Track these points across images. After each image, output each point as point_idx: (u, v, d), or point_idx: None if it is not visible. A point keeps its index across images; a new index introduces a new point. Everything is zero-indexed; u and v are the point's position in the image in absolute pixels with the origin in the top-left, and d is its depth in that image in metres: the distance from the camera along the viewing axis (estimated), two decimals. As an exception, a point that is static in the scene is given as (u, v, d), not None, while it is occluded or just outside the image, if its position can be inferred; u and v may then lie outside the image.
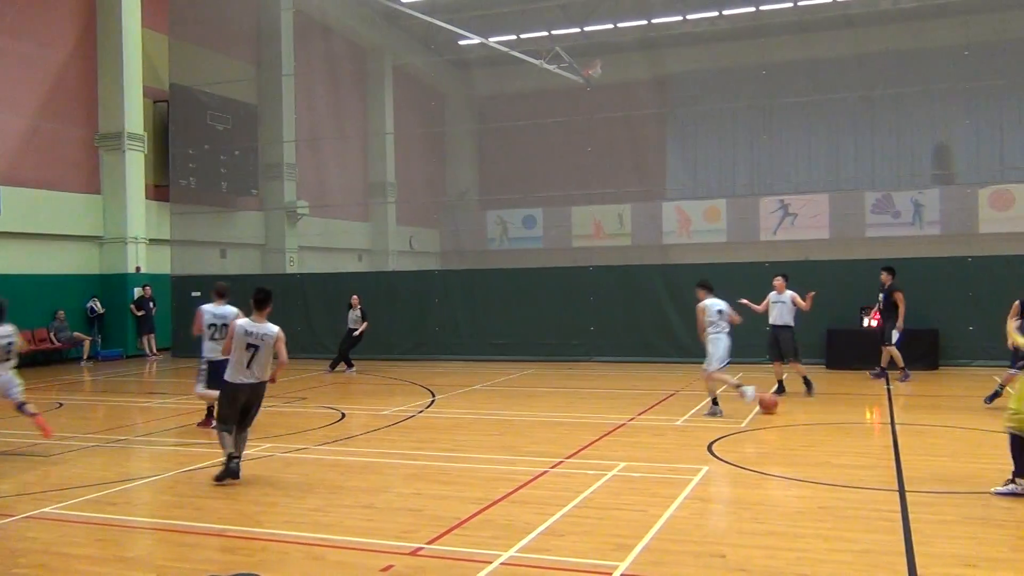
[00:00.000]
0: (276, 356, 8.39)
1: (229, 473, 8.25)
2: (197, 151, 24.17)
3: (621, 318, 19.60)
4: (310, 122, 27.71)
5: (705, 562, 5.82)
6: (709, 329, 11.79)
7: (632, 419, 11.79)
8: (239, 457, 8.41)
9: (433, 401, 14.11)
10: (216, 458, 8.82)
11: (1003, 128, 28.21)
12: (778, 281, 13.76)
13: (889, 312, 14.93)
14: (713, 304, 11.91)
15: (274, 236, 26.76)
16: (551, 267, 21.97)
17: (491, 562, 5.87)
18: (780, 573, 5.61)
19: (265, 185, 26.46)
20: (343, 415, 12.58)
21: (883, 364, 15.35)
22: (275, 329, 8.41)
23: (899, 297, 14.77)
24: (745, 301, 13.57)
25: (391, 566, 5.87)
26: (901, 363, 15.03)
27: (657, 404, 13.19)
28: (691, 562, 5.85)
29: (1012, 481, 7.37)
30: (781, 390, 13.44)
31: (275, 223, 26.74)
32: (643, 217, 31.39)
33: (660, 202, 31.35)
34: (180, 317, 23.15)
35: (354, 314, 18.33)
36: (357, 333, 18.27)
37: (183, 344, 23.11)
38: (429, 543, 6.33)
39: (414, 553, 6.14)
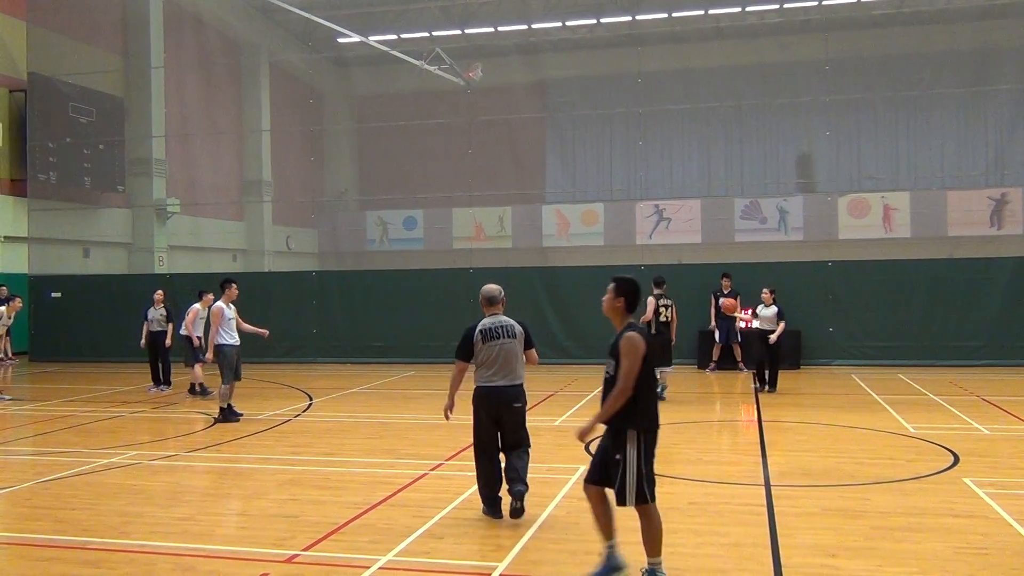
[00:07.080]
0: None
1: None
2: (58, 144, 22.90)
3: (501, 320, 19.71)
4: (181, 117, 26.67)
5: (582, 560, 5.92)
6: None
7: (511, 420, 11.85)
8: None
9: (310, 405, 13.85)
10: (72, 468, 8.50)
11: (860, 140, 29.89)
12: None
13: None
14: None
15: (142, 235, 25.62)
16: (432, 268, 21.91)
17: (369, 567, 5.81)
18: (654, 568, 5.75)
19: (132, 181, 25.30)
20: (215, 420, 12.19)
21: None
22: None
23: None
24: None
25: (266, 574, 5.73)
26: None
27: (536, 405, 13.32)
28: (568, 560, 5.94)
29: None
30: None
31: (143, 221, 25.60)
32: (523, 220, 31.66)
33: (539, 205, 31.73)
34: (38, 319, 21.93)
35: (158, 313, 15.57)
36: (167, 341, 15.49)
37: (41, 347, 21.90)
38: (305, 549, 6.21)
39: (290, 560, 6.00)
